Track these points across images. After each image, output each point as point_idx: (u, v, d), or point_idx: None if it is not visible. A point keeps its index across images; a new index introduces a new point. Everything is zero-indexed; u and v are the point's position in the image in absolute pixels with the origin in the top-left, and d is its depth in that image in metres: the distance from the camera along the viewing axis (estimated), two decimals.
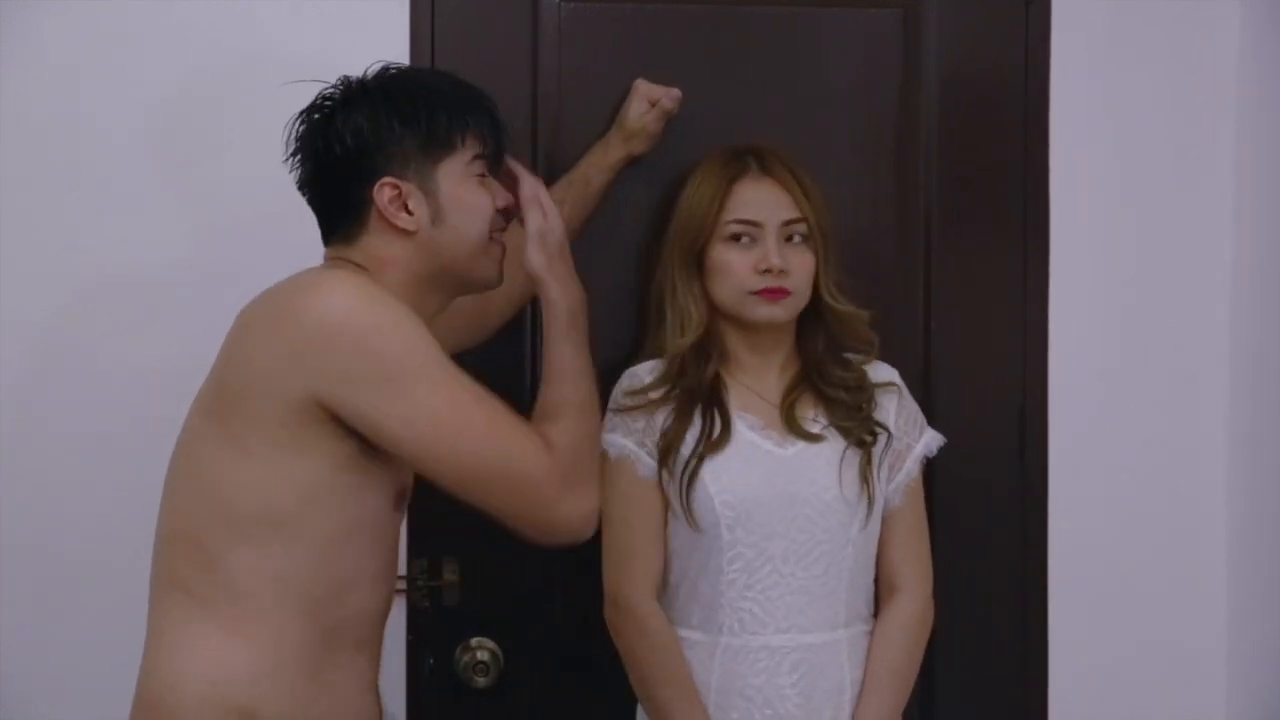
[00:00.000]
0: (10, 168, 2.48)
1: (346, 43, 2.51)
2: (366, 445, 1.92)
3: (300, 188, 2.08)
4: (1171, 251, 2.70)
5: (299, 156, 2.06)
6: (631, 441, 2.31)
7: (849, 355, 2.37)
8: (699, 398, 2.31)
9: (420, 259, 2.02)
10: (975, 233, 2.67)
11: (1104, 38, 2.66)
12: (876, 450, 2.32)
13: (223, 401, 1.95)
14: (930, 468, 2.61)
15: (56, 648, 2.51)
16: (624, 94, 2.54)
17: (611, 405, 2.34)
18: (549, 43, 2.58)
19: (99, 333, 2.49)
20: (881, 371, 2.40)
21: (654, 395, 2.32)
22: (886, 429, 2.34)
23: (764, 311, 2.30)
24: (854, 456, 2.30)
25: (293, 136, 2.07)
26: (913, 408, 2.41)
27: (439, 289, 2.07)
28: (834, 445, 2.31)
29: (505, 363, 2.59)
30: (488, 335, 2.46)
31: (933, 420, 2.54)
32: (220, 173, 2.51)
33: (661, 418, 2.31)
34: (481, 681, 2.58)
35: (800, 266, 2.29)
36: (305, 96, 2.43)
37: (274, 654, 1.93)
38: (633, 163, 2.52)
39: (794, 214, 2.29)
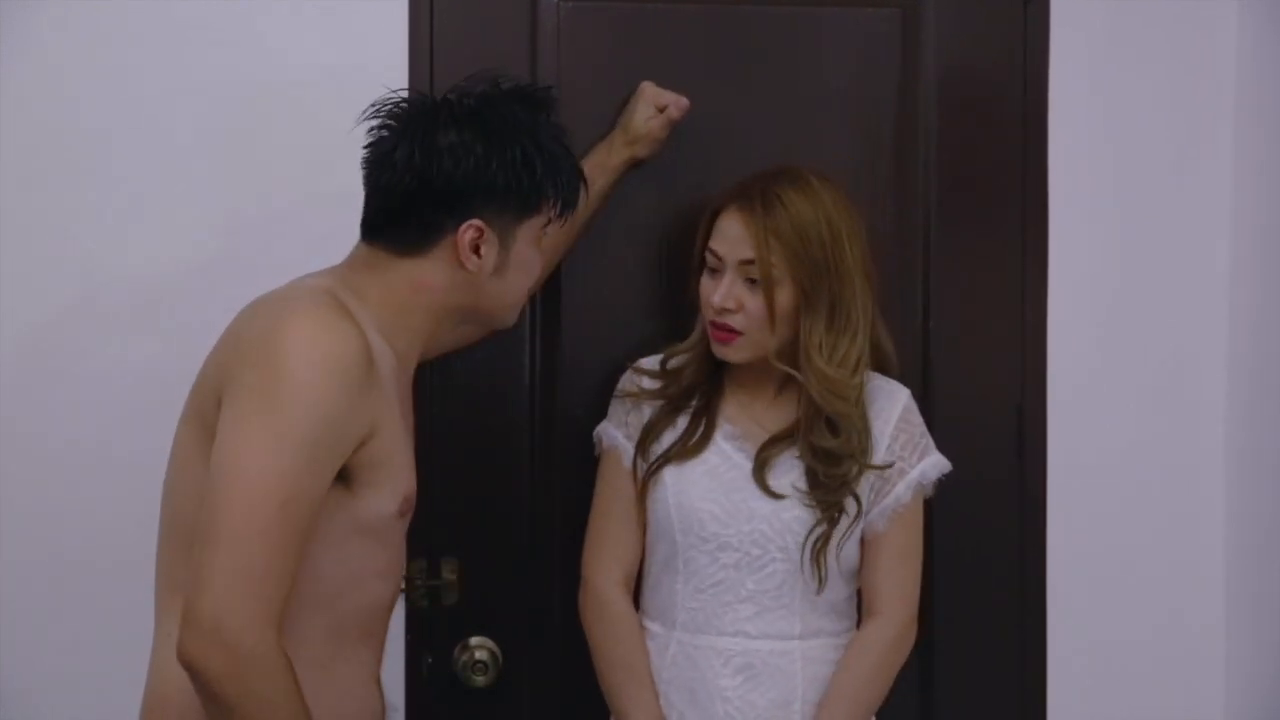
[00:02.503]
0: (9, 167, 2.48)
1: (345, 41, 2.52)
2: (351, 458, 1.90)
3: (371, 181, 2.02)
4: (1170, 251, 2.70)
5: (385, 155, 2.00)
6: (620, 433, 2.37)
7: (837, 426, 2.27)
8: (691, 401, 2.34)
9: (463, 295, 2.02)
10: (974, 233, 2.67)
11: (1103, 37, 2.66)
12: (838, 531, 2.27)
13: (197, 414, 1.94)
14: None
15: (56, 648, 2.51)
16: (624, 94, 2.55)
17: (615, 393, 2.41)
18: (548, 42, 2.57)
19: (99, 333, 2.49)
20: (887, 391, 2.36)
21: (649, 385, 2.36)
22: (858, 501, 2.27)
23: (718, 350, 2.30)
24: (818, 528, 2.26)
25: (382, 124, 2.02)
26: (914, 432, 2.36)
27: (459, 321, 2.08)
28: (804, 497, 2.28)
29: (505, 363, 2.59)
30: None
31: (931, 421, 2.54)
32: (221, 173, 2.51)
33: (649, 411, 2.35)
34: (480, 681, 2.58)
35: (755, 308, 2.24)
36: (307, 100, 2.45)
37: None
38: (636, 166, 2.51)
39: (747, 255, 2.24)
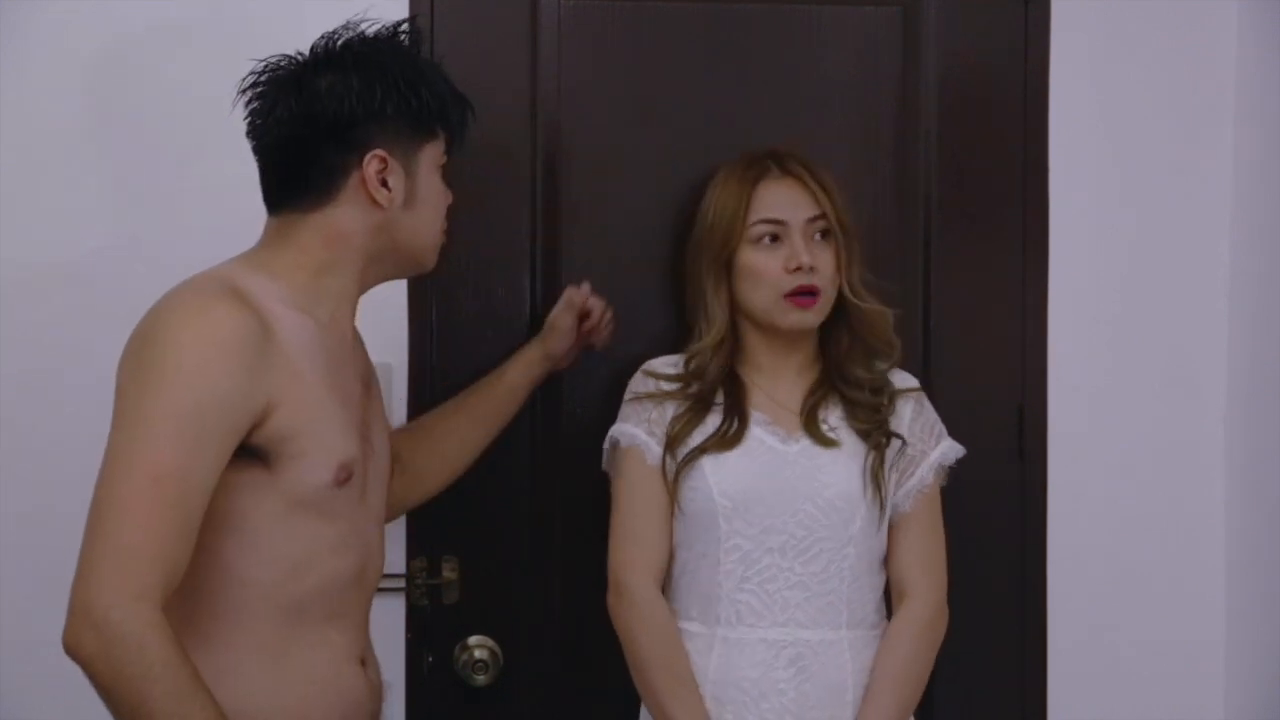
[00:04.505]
0: (12, 162, 2.49)
1: None
2: (258, 435, 1.89)
3: (262, 146, 2.02)
4: (1170, 251, 2.70)
5: (267, 113, 2.00)
6: (642, 430, 2.34)
7: (872, 360, 2.37)
8: (717, 398, 2.34)
9: (379, 238, 2.01)
10: (975, 232, 2.67)
11: (1103, 37, 2.66)
12: (890, 453, 2.32)
13: None
14: None
15: (56, 648, 2.50)
16: (624, 93, 2.56)
17: (627, 395, 2.39)
18: (549, 41, 2.58)
19: (98, 330, 2.49)
20: (902, 378, 2.40)
21: (668, 387, 2.35)
22: (900, 436, 2.34)
23: (794, 318, 2.31)
24: (868, 459, 2.31)
25: (257, 90, 2.02)
26: (931, 416, 2.40)
27: (382, 268, 2.06)
28: (848, 449, 2.32)
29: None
30: (425, 498, 2.44)
31: None
32: (224, 166, 2.50)
33: (672, 409, 2.34)
34: (480, 680, 2.58)
35: (826, 264, 2.31)
36: None
37: (231, 648, 1.92)
38: (555, 368, 2.49)
39: (815, 211, 2.31)
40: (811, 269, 2.28)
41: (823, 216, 2.31)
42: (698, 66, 2.59)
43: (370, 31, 2.03)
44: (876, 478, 2.30)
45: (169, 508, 1.79)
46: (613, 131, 2.59)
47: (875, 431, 2.32)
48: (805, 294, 2.29)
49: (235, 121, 2.50)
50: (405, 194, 2.01)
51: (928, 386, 2.57)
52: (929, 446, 2.37)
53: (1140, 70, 2.67)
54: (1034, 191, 2.66)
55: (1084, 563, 2.70)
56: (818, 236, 2.32)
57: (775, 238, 2.31)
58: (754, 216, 2.32)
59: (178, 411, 1.81)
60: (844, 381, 2.35)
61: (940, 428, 2.41)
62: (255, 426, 1.87)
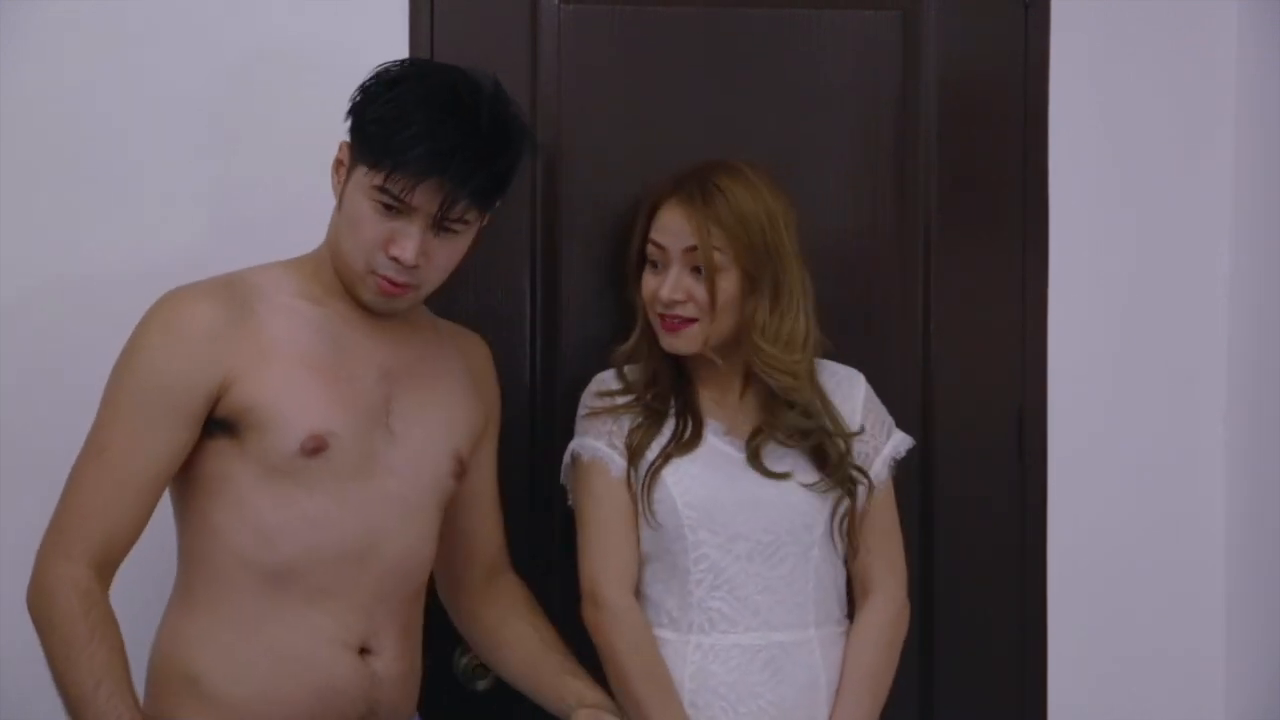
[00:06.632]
0: (12, 163, 2.48)
1: (344, 42, 2.51)
2: (220, 409, 2.01)
3: None
4: (1170, 252, 2.71)
5: None
6: (602, 443, 2.32)
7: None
8: (669, 404, 2.33)
9: (331, 236, 2.11)
10: (974, 233, 2.67)
11: (1103, 38, 2.67)
12: (860, 497, 2.31)
13: None
14: (928, 469, 2.62)
15: None
16: (624, 94, 2.56)
17: (582, 410, 2.37)
18: (549, 44, 2.58)
19: (104, 330, 2.49)
20: (850, 379, 2.38)
21: (620, 400, 2.34)
22: (865, 474, 2.32)
23: (666, 341, 2.31)
24: (840, 505, 2.30)
25: None
26: (879, 410, 2.40)
27: (343, 279, 2.11)
28: (805, 476, 2.30)
29: (505, 362, 2.58)
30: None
31: (932, 421, 2.55)
32: (224, 169, 2.51)
33: (628, 421, 2.33)
34: (481, 684, 2.57)
35: (701, 298, 2.26)
36: (306, 104, 2.46)
37: (214, 614, 2.01)
38: None
39: (691, 242, 2.25)
40: (674, 301, 2.26)
41: (696, 249, 2.25)
42: (697, 69, 2.59)
43: (453, 69, 2.11)
44: (847, 527, 2.30)
45: (108, 477, 1.97)
46: (613, 132, 2.59)
47: (842, 479, 2.30)
48: (672, 321, 2.29)
49: (236, 123, 2.52)
50: (340, 191, 2.09)
51: (928, 386, 2.58)
52: (881, 441, 2.37)
53: (1140, 70, 2.68)
54: (1034, 191, 2.66)
55: (1084, 564, 2.70)
56: (699, 267, 2.26)
57: (662, 263, 2.30)
58: (650, 236, 2.32)
59: (126, 391, 2.00)
60: (782, 433, 2.29)
61: (889, 420, 2.40)
62: (219, 400, 2.00)
